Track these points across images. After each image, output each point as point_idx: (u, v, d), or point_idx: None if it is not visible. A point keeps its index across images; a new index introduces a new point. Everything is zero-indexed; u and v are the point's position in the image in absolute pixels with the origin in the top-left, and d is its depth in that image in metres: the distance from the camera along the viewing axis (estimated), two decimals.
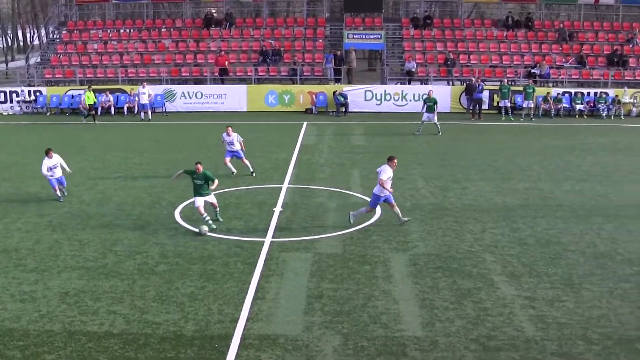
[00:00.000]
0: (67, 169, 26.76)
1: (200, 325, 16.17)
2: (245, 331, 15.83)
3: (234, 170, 30.08)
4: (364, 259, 20.18)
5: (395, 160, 23.01)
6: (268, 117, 45.93)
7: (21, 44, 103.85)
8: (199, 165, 23.04)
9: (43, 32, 79.43)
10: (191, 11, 62.75)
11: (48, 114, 49.30)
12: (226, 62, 51.83)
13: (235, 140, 29.64)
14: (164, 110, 48.59)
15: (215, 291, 18.09)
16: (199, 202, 22.90)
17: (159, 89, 49.37)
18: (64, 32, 59.19)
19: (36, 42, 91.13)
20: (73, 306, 17.46)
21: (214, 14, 60.68)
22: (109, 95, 48.22)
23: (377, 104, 48.56)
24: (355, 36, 54.18)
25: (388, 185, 22.36)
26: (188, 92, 49.31)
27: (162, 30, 58.53)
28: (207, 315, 16.67)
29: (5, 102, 50.47)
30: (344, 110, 47.55)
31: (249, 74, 51.77)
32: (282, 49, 53.89)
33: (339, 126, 43.40)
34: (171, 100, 49.01)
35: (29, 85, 52.90)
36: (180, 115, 47.49)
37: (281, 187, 28.01)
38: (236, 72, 52.55)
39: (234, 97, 48.96)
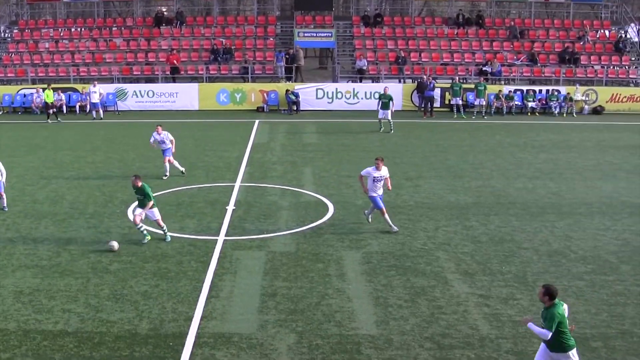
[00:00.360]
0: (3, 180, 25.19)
1: (155, 324, 16.29)
2: (199, 329, 15.98)
3: (167, 174, 29.79)
4: (317, 257, 20.40)
5: (381, 162, 22.31)
6: (220, 116, 46.01)
7: None
8: (135, 180, 21.60)
9: None
10: (142, 10, 62.50)
11: (0, 113, 48.85)
12: (177, 61, 51.75)
13: (166, 139, 29.43)
14: (116, 109, 48.43)
15: (169, 290, 18.22)
16: (139, 211, 21.84)
17: (111, 87, 49.19)
18: (15, 31, 58.63)
19: None
20: (27, 305, 17.48)
21: (165, 13, 60.52)
22: (61, 94, 47.90)
23: (328, 102, 48.86)
24: (306, 34, 54.43)
25: (367, 184, 22.22)
26: (140, 91, 49.17)
27: (113, 28, 58.18)
28: (162, 314, 16.80)
29: None
30: (295, 109, 47.78)
31: (200, 72, 51.76)
32: (233, 47, 53.89)
33: (291, 124, 43.63)
34: (123, 99, 48.85)
35: None
36: (133, 113, 47.37)
37: (234, 186, 28.15)
38: (187, 71, 52.50)
39: (185, 96, 48.95)
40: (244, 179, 29.48)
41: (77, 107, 48.10)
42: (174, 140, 29.69)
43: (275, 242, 21.67)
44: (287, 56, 51.61)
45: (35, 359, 14.88)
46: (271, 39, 56.05)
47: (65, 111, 47.47)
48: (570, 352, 12.53)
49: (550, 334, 12.33)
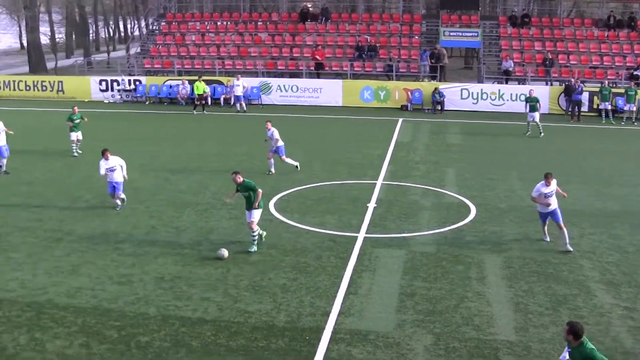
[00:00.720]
0: (124, 174, 24.86)
1: (292, 317, 16.27)
2: (336, 325, 15.86)
3: (272, 170, 29.57)
4: (458, 259, 19.98)
5: (550, 178, 21.11)
6: (363, 113, 45.86)
7: (122, 34, 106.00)
8: (235, 176, 20.72)
9: (143, 23, 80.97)
10: (287, 5, 63.14)
11: (147, 103, 50.17)
12: (321, 57, 51.96)
13: (274, 136, 29.16)
14: (260, 102, 48.97)
15: (308, 284, 18.17)
16: (250, 216, 20.69)
17: (255, 81, 49.77)
18: (163, 23, 60.26)
19: (136, 33, 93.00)
20: (168, 291, 17.78)
21: (310, 9, 60.94)
22: (206, 86, 48.82)
23: (473, 103, 47.97)
24: (451, 33, 53.72)
25: (541, 200, 21.02)
26: (284, 86, 49.57)
27: (259, 23, 58.98)
28: (299, 308, 16.76)
29: (106, 90, 51.55)
30: (440, 108, 47.19)
31: (344, 68, 51.84)
32: (377, 44, 53.74)
33: (435, 124, 43.07)
34: (267, 93, 49.36)
35: (129, 75, 53.98)
36: (276, 107, 47.75)
37: (375, 183, 27.93)
38: (332, 67, 52.68)
39: (329, 92, 49.04)
40: (386, 177, 29.21)
41: (222, 99, 48.89)
42: (278, 139, 29.29)
43: (415, 242, 21.34)
44: (432, 56, 51.06)
45: (173, 344, 15.08)
46: (416, 37, 55.62)
47: (210, 103, 48.31)
48: None
49: None
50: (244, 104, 46.40)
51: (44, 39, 75.89)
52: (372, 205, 25.00)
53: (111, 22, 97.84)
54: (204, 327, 15.80)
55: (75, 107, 34.14)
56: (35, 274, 19.17)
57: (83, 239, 21.71)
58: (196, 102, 46.02)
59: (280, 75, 52.86)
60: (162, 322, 16.13)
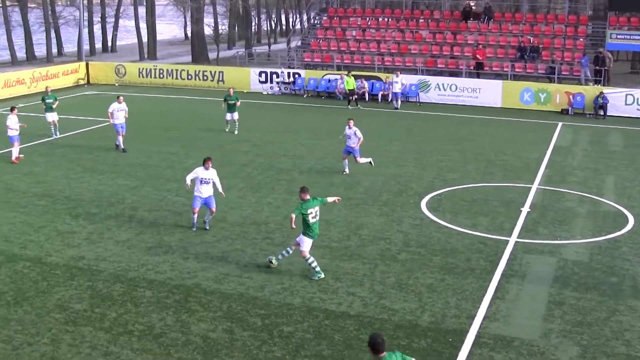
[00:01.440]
0: (219, 188, 22.23)
1: (436, 318, 16.13)
2: (480, 329, 15.63)
3: (347, 170, 28.84)
4: (612, 270, 19.28)
5: None
6: (522, 115, 44.85)
7: (284, 28, 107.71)
8: (303, 195, 18.97)
9: (305, 17, 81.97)
10: (450, 3, 62.56)
11: (305, 96, 50.74)
12: (482, 56, 51.26)
13: (354, 135, 28.21)
14: (417, 100, 48.73)
15: (455, 285, 17.97)
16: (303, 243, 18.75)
17: (414, 79, 49.54)
18: (324, 18, 60.84)
19: (298, 26, 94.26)
20: (314, 283, 17.95)
21: (473, 7, 60.11)
22: (364, 82, 48.96)
23: (638, 109, 46.19)
24: (619, 36, 51.90)
25: None
26: (443, 84, 49.10)
27: (420, 20, 58.71)
28: (444, 309, 16.60)
29: (265, 82, 52.49)
30: (602, 113, 45.67)
31: (505, 69, 50.91)
32: (540, 46, 52.53)
33: (596, 129, 41.69)
34: (425, 91, 49.02)
35: (289, 68, 54.77)
36: (434, 106, 47.36)
37: (530, 187, 27.28)
38: (492, 67, 51.85)
39: (488, 92, 48.23)
40: (542, 181, 28.47)
41: (380, 95, 48.89)
42: (361, 140, 28.38)
43: (567, 250, 20.74)
44: (596, 59, 49.47)
45: (315, 336, 15.22)
46: (581, 39, 53.99)
47: (367, 99, 48.40)
48: None
49: None
50: (399, 101, 46.27)
51: (208, 30, 77.94)
52: (525, 209, 24.45)
53: (273, 15, 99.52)
54: (347, 322, 15.87)
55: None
56: (185, 257, 19.76)
57: (234, 226, 22.24)
58: (349, 98, 46.23)
59: (440, 73, 52.38)
60: (306, 313, 16.30)
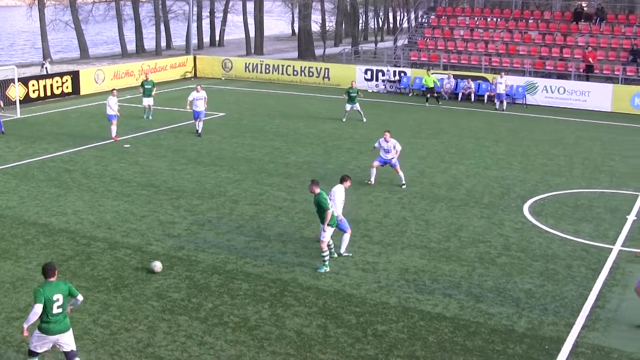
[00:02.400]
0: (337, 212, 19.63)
1: (533, 324, 15.83)
2: (578, 338, 15.29)
3: (372, 180, 27.15)
4: None
5: None
6: (632, 120, 43.67)
7: (391, 26, 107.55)
8: (312, 186, 18.94)
9: (412, 15, 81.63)
10: (561, 4, 61.36)
11: (410, 95, 50.46)
12: (593, 59, 50.06)
13: (392, 147, 26.66)
14: (524, 102, 47.92)
15: (554, 292, 17.60)
16: (324, 234, 18.77)
17: (521, 80, 48.73)
18: (432, 16, 60.41)
19: (405, 25, 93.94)
20: (411, 283, 17.84)
21: (585, 8, 58.69)
22: (471, 82, 48.43)
23: None
24: None
25: None
26: (550, 86, 48.12)
27: (530, 21, 57.69)
28: (542, 315, 16.28)
29: (371, 79, 52.41)
30: None
31: (616, 72, 49.59)
32: None
33: None
34: (532, 93, 48.17)
35: (395, 66, 54.58)
36: (540, 108, 46.46)
37: (638, 195, 26.43)
38: (602, 70, 50.57)
39: (597, 96, 47.02)
40: None
41: (486, 96, 48.25)
42: (399, 151, 26.90)
43: None
44: None
45: (409, 336, 15.13)
46: None
47: (473, 99, 47.82)
48: None
49: None
50: (504, 102, 45.55)
51: (315, 27, 78.36)
52: (631, 217, 23.73)
53: (381, 13, 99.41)
54: (442, 324, 15.71)
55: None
56: (283, 252, 19.88)
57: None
58: (426, 95, 46.20)
59: (548, 75, 51.38)
60: (401, 313, 16.20)
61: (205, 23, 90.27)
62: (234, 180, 27.27)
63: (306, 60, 66.59)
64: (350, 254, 19.57)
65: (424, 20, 62.48)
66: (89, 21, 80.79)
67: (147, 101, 39.86)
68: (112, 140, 33.40)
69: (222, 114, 40.96)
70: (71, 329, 13.36)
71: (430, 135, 35.68)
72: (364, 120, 39.02)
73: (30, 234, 21.49)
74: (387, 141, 26.54)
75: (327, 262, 18.69)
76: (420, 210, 23.68)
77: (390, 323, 15.72)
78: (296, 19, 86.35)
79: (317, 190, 18.59)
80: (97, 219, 22.80)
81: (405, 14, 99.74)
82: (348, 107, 39.30)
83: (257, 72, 56.88)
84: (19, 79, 43.67)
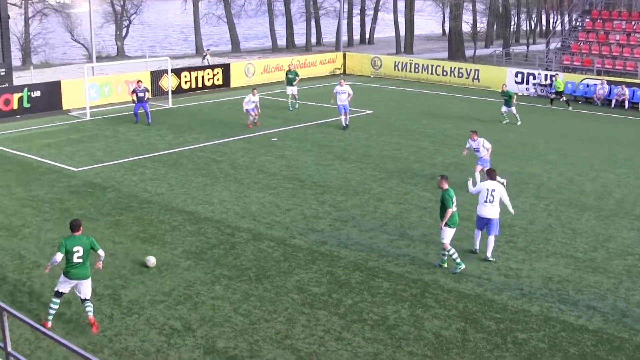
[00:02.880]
0: (509, 209, 20.36)
1: None
2: None
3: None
4: None
5: None
6: None
7: (543, 28, 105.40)
8: (441, 180, 18.88)
9: (566, 18, 79.81)
10: None
11: (561, 100, 49.33)
12: None
13: (481, 146, 26.22)
14: None
15: None
16: (443, 233, 18.78)
17: None
18: (587, 20, 58.84)
19: (558, 28, 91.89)
20: (554, 293, 17.53)
21: None
22: (625, 88, 46.94)
23: None
24: None
25: None
26: None
27: None
28: None
29: (521, 82, 51.51)
30: None
31: None
32: None
33: None
34: None
35: (546, 70, 53.50)
36: None
37: None
38: None
39: None
40: None
41: None
42: (490, 149, 26.45)
43: None
44: None
45: (550, 346, 14.90)
46: None
47: (627, 106, 46.29)
48: None
49: None
50: None
51: (466, 27, 77.64)
52: None
53: (533, 15, 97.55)
54: (585, 336, 15.37)
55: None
56: (426, 253, 19.90)
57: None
58: (552, 97, 45.78)
59: None
60: (542, 322, 15.95)
61: (356, 20, 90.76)
62: (379, 178, 27.39)
63: (456, 60, 66.00)
64: (494, 259, 19.39)
65: (578, 23, 60.94)
66: (240, 15, 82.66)
67: (291, 90, 41.41)
68: (260, 132, 34.20)
69: (370, 111, 41.15)
70: (90, 279, 15.36)
71: (580, 142, 34.81)
72: (519, 123, 38.40)
73: (177, 220, 22.24)
74: (474, 140, 26.46)
75: (458, 260, 18.53)
76: (567, 219, 23.17)
77: (530, 332, 15.50)
78: (447, 19, 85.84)
79: (446, 186, 18.56)
80: (242, 209, 23.37)
81: (559, 17, 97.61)
82: (504, 109, 38.80)
83: (406, 71, 56.81)
84: (172, 70, 45.15)
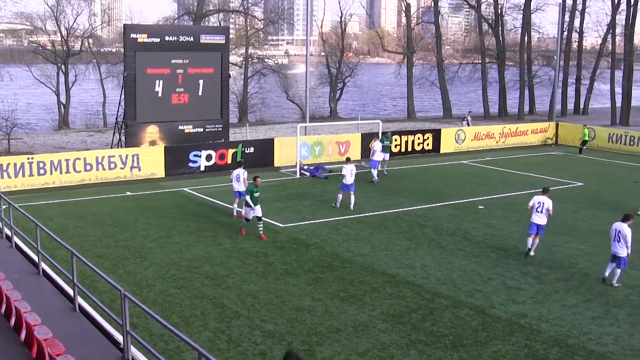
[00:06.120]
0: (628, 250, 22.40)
1: None
2: None
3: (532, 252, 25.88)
4: None
5: None
6: None
7: None
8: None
9: None
10: None
11: None
12: None
13: (541, 205, 25.39)
14: None
15: None
16: None
17: None
18: None
19: None
20: None
21: None
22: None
23: None
24: None
25: None
26: None
27: None
28: None
29: None
30: None
31: None
32: None
33: None
34: None
35: None
36: None
37: None
38: None
39: None
40: None
41: None
42: (551, 210, 25.65)
43: None
44: None
45: None
46: None
47: None
48: None
49: None
50: None
51: None
52: None
53: None
54: None
55: None
56: (631, 333, 18.99)
57: None
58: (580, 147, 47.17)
59: None
60: None
61: (571, 89, 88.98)
62: (586, 252, 26.52)
63: None
64: None
65: None
66: (453, 82, 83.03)
67: (383, 155, 40.44)
68: (467, 200, 33.89)
69: (580, 183, 40.08)
70: None
71: None
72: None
73: (377, 282, 22.42)
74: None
75: None
76: None
77: None
78: None
79: None
80: (444, 275, 23.27)
81: None
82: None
83: (620, 143, 54.96)
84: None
